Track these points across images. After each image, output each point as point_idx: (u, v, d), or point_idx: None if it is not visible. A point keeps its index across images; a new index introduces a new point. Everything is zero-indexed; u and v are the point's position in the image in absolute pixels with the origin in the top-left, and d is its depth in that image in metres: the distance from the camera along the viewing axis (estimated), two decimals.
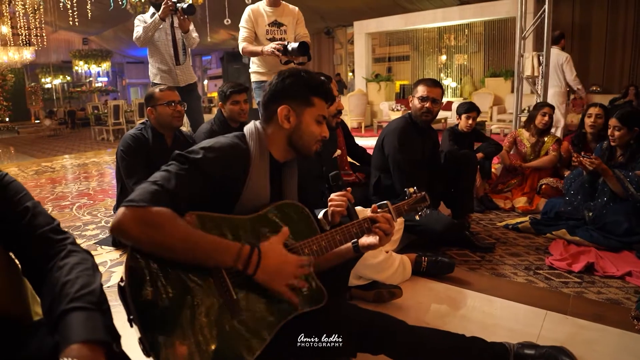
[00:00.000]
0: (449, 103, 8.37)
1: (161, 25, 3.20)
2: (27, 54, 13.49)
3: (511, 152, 3.41)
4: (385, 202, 1.33)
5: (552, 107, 3.27)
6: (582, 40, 7.85)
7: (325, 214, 1.46)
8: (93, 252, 2.34)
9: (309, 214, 1.22)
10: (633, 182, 2.25)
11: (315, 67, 13.34)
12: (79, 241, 2.52)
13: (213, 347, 0.96)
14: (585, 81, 7.89)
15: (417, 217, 1.42)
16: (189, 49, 3.42)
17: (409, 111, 2.47)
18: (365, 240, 1.24)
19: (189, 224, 0.99)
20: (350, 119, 8.58)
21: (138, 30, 3.22)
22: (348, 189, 1.45)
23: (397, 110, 7.68)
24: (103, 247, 2.51)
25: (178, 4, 3.08)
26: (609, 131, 2.45)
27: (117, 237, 0.96)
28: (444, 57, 10.34)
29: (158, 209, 0.95)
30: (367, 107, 9.30)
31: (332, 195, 1.42)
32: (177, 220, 0.96)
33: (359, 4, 9.70)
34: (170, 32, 3.26)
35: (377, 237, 1.21)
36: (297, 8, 3.10)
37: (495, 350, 1.24)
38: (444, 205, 2.65)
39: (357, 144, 3.05)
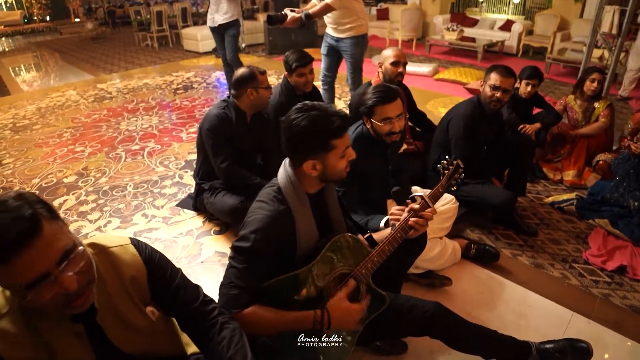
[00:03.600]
0: (509, 22, 7.72)
1: None
2: None
3: (563, 120, 3.39)
4: (420, 194, 1.51)
5: (602, 73, 3.16)
6: None
7: (387, 221, 1.73)
8: (177, 217, 2.74)
9: (356, 238, 1.40)
10: None
11: None
12: (161, 202, 2.94)
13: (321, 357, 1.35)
14: None
15: (453, 189, 1.63)
16: None
17: (479, 94, 2.53)
18: (410, 234, 1.44)
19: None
20: (402, 34, 8.18)
21: None
22: (407, 201, 1.69)
23: (453, 30, 7.23)
24: (185, 211, 2.79)
25: None
26: None
27: None
28: None
29: (246, 312, 1.23)
30: (421, 18, 8.73)
31: (393, 209, 1.63)
32: (264, 314, 1.24)
33: None
34: None
35: (419, 230, 1.44)
36: None
37: (521, 346, 1.58)
38: (495, 180, 2.83)
39: (419, 110, 3.15)
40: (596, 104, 3.22)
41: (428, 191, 2.26)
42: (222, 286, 1.30)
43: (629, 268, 2.19)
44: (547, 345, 1.59)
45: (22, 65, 8.54)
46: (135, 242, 1.08)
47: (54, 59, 8.98)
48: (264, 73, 2.39)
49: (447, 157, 1.62)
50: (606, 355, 1.72)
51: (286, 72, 2.85)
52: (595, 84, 3.13)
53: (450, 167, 1.58)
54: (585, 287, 2.10)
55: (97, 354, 0.98)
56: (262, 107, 2.45)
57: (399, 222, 1.46)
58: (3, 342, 0.85)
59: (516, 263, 2.29)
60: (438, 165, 1.61)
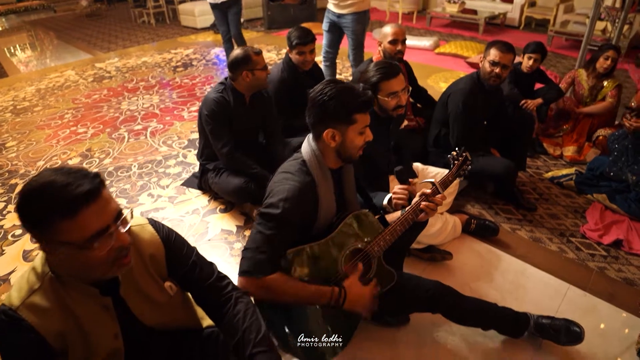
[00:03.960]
0: None
1: None
2: None
3: (567, 95, 3.38)
4: (431, 180, 1.57)
5: (617, 51, 3.12)
6: None
7: (390, 199, 1.78)
8: (182, 197, 2.78)
9: (371, 216, 1.48)
10: None
11: None
12: (166, 182, 2.97)
13: (329, 328, 1.42)
14: None
15: (461, 179, 1.70)
16: None
17: (478, 69, 2.52)
18: (420, 217, 1.51)
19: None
20: (402, 7, 8.02)
21: None
22: (411, 179, 1.73)
23: (454, 2, 7.08)
24: (190, 190, 2.83)
25: None
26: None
27: None
28: None
29: (269, 278, 1.28)
30: None
31: (396, 188, 1.70)
32: (285, 283, 1.29)
33: None
34: None
35: (429, 214, 1.50)
36: None
37: (519, 318, 1.66)
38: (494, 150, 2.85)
39: (420, 86, 3.15)
40: (605, 82, 3.19)
41: (437, 171, 2.31)
42: (248, 250, 1.33)
43: (625, 242, 2.24)
44: (545, 320, 1.65)
45: (17, 45, 8.41)
46: (153, 222, 1.14)
47: (49, 38, 8.82)
48: (259, 54, 2.34)
49: (457, 148, 1.67)
50: (602, 326, 1.79)
51: (287, 48, 2.83)
52: (609, 62, 3.09)
53: (460, 158, 1.64)
54: (581, 260, 2.16)
55: (121, 326, 1.05)
56: (260, 87, 2.43)
57: (410, 205, 1.51)
58: (37, 315, 0.92)
59: (515, 237, 2.34)
60: (448, 156, 1.66)
